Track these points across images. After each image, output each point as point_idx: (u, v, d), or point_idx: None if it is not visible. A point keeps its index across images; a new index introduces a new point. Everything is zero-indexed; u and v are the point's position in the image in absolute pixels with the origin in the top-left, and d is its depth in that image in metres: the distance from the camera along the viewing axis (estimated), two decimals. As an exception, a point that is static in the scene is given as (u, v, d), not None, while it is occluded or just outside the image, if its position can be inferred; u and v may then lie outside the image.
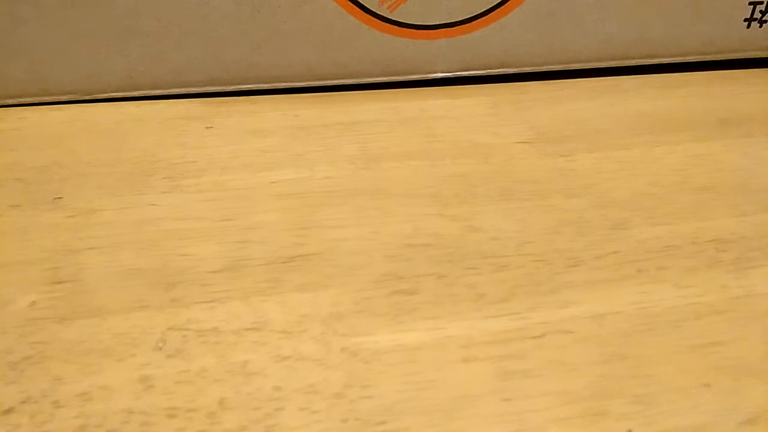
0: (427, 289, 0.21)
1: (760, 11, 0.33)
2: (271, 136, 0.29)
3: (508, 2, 0.31)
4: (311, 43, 0.31)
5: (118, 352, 0.19)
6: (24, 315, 0.20)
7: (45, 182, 0.26)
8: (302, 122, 0.30)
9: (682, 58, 0.34)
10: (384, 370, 0.18)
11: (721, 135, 0.29)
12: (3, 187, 0.25)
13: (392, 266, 0.22)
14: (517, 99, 0.32)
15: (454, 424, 0.17)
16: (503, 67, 0.33)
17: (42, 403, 0.17)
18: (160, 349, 0.19)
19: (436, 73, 0.33)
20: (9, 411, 0.17)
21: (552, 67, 0.33)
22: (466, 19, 0.31)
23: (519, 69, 0.33)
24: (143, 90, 0.31)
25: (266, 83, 0.32)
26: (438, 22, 0.31)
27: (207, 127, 0.29)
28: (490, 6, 0.31)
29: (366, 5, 0.30)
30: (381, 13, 0.31)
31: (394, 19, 0.31)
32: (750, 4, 0.33)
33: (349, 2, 0.30)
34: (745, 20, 0.33)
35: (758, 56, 0.34)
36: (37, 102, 0.31)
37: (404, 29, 0.31)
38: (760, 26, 0.33)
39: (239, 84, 0.32)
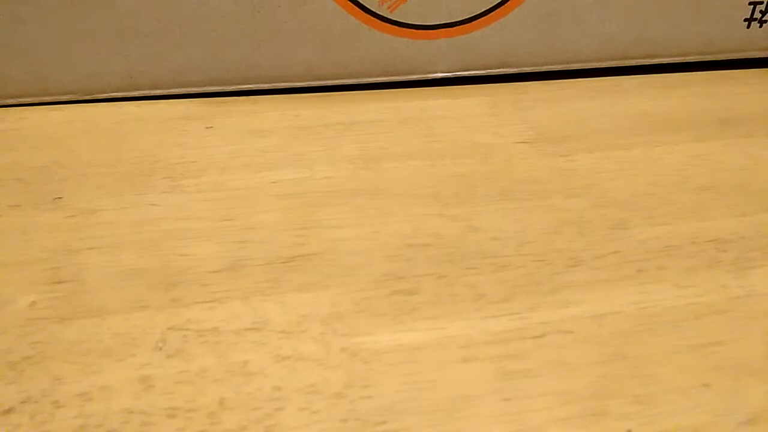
0: (427, 289, 0.21)
1: (760, 11, 0.33)
2: (271, 136, 0.29)
3: (508, 2, 0.31)
4: (311, 43, 0.31)
5: (118, 352, 0.19)
6: (24, 315, 0.20)
7: (45, 182, 0.26)
8: (302, 122, 0.30)
9: (682, 58, 0.34)
10: (384, 370, 0.18)
11: (721, 135, 0.29)
12: (3, 187, 0.25)
13: (392, 266, 0.22)
14: (517, 99, 0.32)
15: (454, 424, 0.17)
16: (503, 67, 0.33)
17: (42, 403, 0.17)
18: (160, 349, 0.19)
19: (436, 73, 0.33)
20: (9, 411, 0.17)
21: (552, 67, 0.33)
22: (466, 19, 0.31)
23: (519, 69, 0.33)
24: (143, 90, 0.31)
25: (266, 83, 0.32)
26: (438, 22, 0.31)
27: (207, 127, 0.29)
28: (490, 6, 0.31)
29: (366, 5, 0.30)
30: (381, 13, 0.31)
31: (394, 19, 0.31)
32: (750, 4, 0.33)
33: (349, 2, 0.30)
34: (745, 20, 0.33)
35: (758, 56, 0.34)
36: (37, 102, 0.31)
37: (404, 29, 0.31)
38: (760, 26, 0.33)
39: (239, 84, 0.32)
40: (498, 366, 0.18)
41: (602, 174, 0.26)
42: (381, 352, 0.19)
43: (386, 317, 0.20)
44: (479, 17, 0.31)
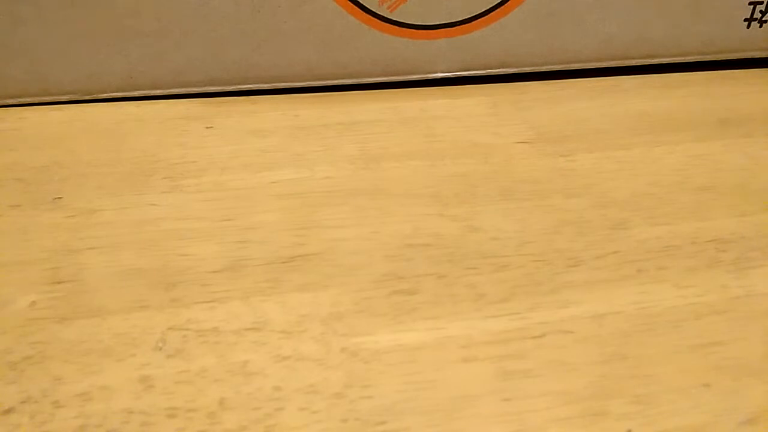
0: (427, 289, 0.21)
1: (760, 11, 0.33)
2: (271, 136, 0.29)
3: (508, 2, 0.31)
4: (311, 43, 0.31)
5: (118, 352, 0.19)
6: (24, 315, 0.20)
7: (45, 182, 0.26)
8: (302, 122, 0.30)
9: (682, 58, 0.34)
10: (384, 370, 0.18)
11: (721, 135, 0.29)
12: (3, 187, 0.25)
13: (392, 266, 0.22)
14: (517, 99, 0.32)
15: (454, 424, 0.17)
16: (503, 67, 0.33)
17: (42, 403, 0.17)
18: (160, 349, 0.19)
19: (436, 73, 0.33)
20: (9, 411, 0.17)
21: (552, 67, 0.33)
22: (466, 19, 0.31)
23: (519, 69, 0.33)
24: (143, 90, 0.31)
25: (266, 83, 0.32)
26: (438, 22, 0.31)
27: (207, 127, 0.29)
28: (490, 6, 0.31)
29: (366, 5, 0.30)
30: (381, 13, 0.31)
31: (394, 19, 0.31)
32: (750, 4, 0.33)
33: (349, 2, 0.30)
34: (745, 20, 0.33)
35: (758, 56, 0.34)
36: (37, 102, 0.31)
37: (404, 29, 0.31)
38: (760, 26, 0.33)
39: (239, 84, 0.32)
40: (498, 366, 0.18)
41: (602, 174, 0.26)
42: (381, 352, 0.19)
43: (386, 317, 0.20)
44: (479, 17, 0.31)
